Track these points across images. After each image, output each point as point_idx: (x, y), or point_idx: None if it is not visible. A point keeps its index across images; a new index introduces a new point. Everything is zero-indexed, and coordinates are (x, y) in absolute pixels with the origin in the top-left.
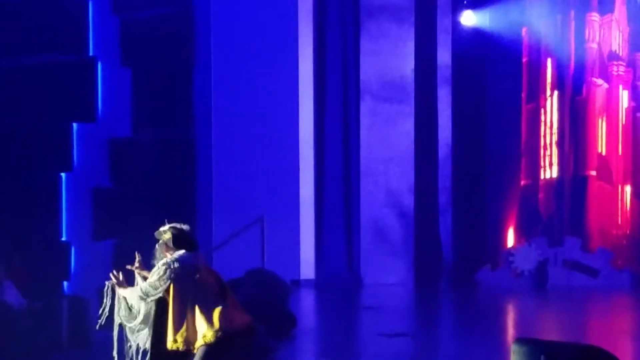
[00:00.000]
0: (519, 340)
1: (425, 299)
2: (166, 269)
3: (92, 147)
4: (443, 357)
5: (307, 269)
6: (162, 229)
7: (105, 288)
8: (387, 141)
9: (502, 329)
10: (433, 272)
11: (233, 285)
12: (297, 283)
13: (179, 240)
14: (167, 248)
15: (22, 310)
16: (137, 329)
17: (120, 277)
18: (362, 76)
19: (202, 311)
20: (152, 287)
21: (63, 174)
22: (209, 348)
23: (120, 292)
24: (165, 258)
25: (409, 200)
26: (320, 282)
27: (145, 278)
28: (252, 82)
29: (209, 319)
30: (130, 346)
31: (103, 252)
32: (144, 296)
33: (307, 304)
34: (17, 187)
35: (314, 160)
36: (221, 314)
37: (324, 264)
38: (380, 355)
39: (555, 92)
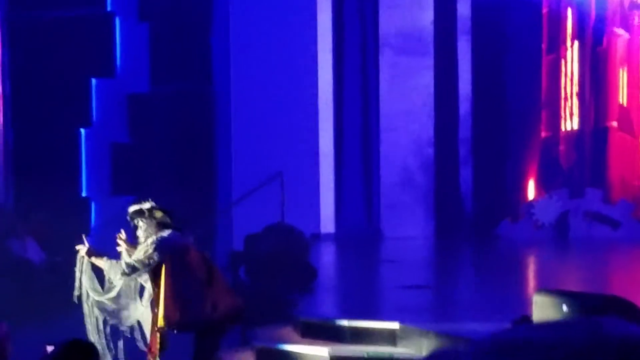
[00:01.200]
0: (541, 290)
1: (446, 251)
2: (156, 247)
3: (111, 102)
4: (463, 309)
5: (328, 222)
6: (144, 207)
7: (79, 256)
8: (406, 94)
9: (523, 281)
10: (454, 225)
11: (252, 240)
12: (317, 237)
13: (169, 219)
14: (157, 226)
15: (43, 265)
16: (116, 305)
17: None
18: (381, 29)
19: (182, 294)
20: (139, 263)
21: (82, 130)
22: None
23: (94, 261)
24: (154, 235)
25: (429, 153)
26: (341, 236)
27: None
28: (270, 37)
29: (184, 304)
30: (96, 320)
31: (123, 208)
32: (129, 271)
33: (327, 258)
34: (36, 143)
35: (333, 114)
36: (199, 300)
37: (344, 218)
38: (400, 307)
39: (576, 43)
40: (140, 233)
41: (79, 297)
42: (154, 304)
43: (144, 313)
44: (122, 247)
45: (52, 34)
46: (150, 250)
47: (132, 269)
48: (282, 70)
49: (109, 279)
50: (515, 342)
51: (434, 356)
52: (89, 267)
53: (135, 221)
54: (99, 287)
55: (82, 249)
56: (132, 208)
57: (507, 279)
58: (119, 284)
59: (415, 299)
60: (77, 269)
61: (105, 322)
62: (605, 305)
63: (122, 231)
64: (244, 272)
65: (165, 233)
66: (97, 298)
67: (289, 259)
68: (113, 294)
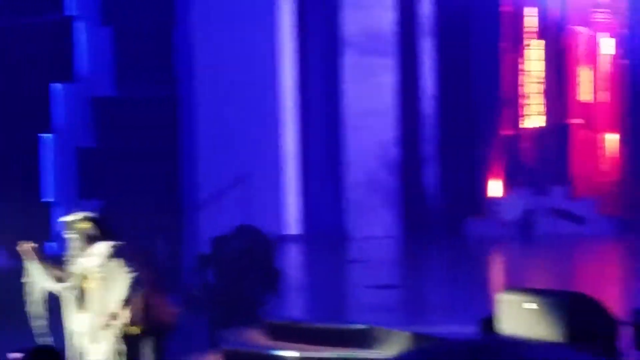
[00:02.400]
0: (507, 289)
1: (413, 250)
2: (114, 255)
3: (74, 107)
4: (431, 308)
5: (294, 224)
6: (74, 217)
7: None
8: (371, 94)
9: (490, 279)
10: (420, 224)
11: (219, 242)
12: (284, 238)
13: (106, 228)
14: (89, 239)
15: (11, 271)
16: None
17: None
18: (345, 29)
19: (126, 302)
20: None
21: (46, 135)
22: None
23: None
24: (105, 243)
25: (394, 153)
26: (308, 237)
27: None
28: (233, 39)
29: (129, 311)
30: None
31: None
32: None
33: (295, 259)
34: None
35: (297, 115)
36: (141, 307)
37: (311, 219)
38: (368, 307)
39: (537, 41)
40: (78, 244)
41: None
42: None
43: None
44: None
45: (12, 41)
46: (125, 266)
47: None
48: (245, 72)
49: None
50: None
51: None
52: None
53: (76, 231)
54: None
55: (28, 246)
56: (70, 218)
57: (474, 277)
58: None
59: (384, 299)
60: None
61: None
62: (570, 302)
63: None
64: (212, 274)
65: (112, 243)
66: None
67: (256, 260)
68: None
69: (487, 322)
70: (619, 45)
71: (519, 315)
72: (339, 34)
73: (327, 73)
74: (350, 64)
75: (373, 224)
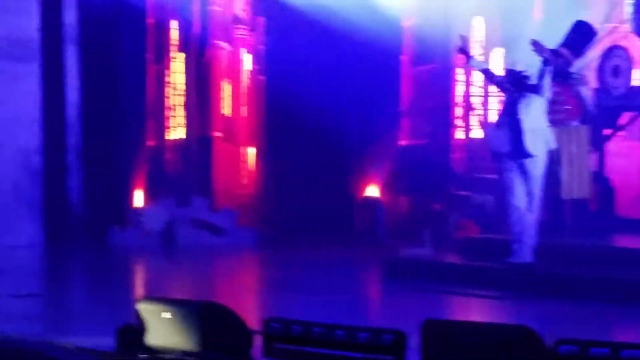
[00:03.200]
0: (144, 299)
1: (56, 259)
2: None
3: None
4: (73, 317)
5: None
6: None
7: None
8: (11, 101)
9: (131, 288)
10: (63, 233)
11: None
12: None
13: None
14: None
15: None
16: None
17: None
18: None
19: None
20: None
21: None
22: None
23: None
24: None
25: (36, 161)
26: None
27: None
28: None
29: None
30: None
31: None
32: None
33: None
34: None
35: None
36: None
37: None
38: (8, 316)
39: (181, 54)
40: None
41: None
42: None
43: None
44: None
45: None
46: None
47: None
48: None
49: None
50: None
51: None
52: None
53: None
54: None
55: None
56: None
57: (115, 287)
58: None
59: (25, 309)
60: None
61: None
62: (202, 311)
63: None
64: None
65: None
66: None
67: None
68: None
69: (125, 331)
70: (257, 61)
71: (156, 325)
72: None
73: None
74: None
75: (14, 233)
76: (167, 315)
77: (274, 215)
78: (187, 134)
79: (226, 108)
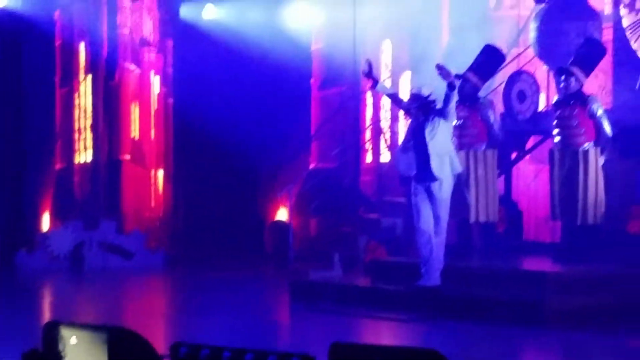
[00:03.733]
0: (51, 323)
1: None
2: None
3: None
4: None
5: None
6: None
7: None
8: None
9: (38, 312)
10: None
11: None
12: None
13: None
14: None
15: None
16: None
17: None
18: None
19: None
20: None
21: None
22: None
23: None
24: None
25: None
26: None
27: None
28: None
29: None
30: None
31: None
32: None
33: None
34: None
35: None
36: None
37: None
38: None
39: (89, 76)
40: None
41: None
42: None
43: None
44: None
45: None
46: None
47: None
48: None
49: None
50: None
51: None
52: None
53: None
54: None
55: None
56: None
57: (22, 311)
58: None
59: None
60: None
61: None
62: (108, 336)
63: None
64: None
65: None
66: None
67: None
68: None
69: (31, 356)
70: (165, 83)
71: (63, 350)
72: None
73: None
74: None
75: None
76: (75, 340)
77: (183, 237)
78: (96, 156)
79: (135, 131)
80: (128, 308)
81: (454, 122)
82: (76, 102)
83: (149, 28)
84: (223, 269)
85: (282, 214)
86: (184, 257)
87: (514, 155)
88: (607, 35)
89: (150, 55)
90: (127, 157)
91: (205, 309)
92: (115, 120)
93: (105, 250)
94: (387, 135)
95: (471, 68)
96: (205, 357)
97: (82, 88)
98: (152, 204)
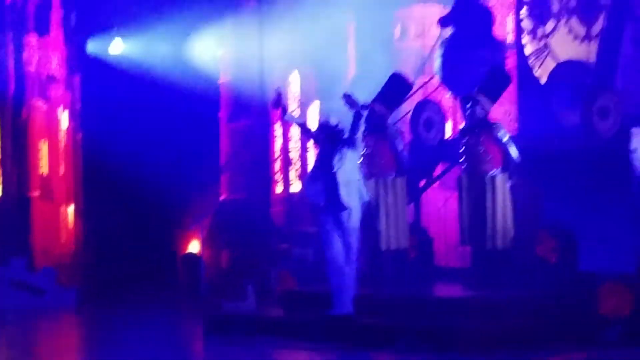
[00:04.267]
0: None
1: None
2: None
3: None
4: None
5: None
6: None
7: None
8: None
9: None
10: None
11: None
12: None
13: None
14: None
15: None
16: None
17: None
18: None
19: None
20: None
21: None
22: None
23: None
24: None
25: None
26: None
27: None
28: None
29: None
30: None
31: None
32: None
33: None
34: None
35: None
36: None
37: None
38: None
39: None
40: None
41: None
42: None
43: None
44: None
45: None
46: None
47: None
48: None
49: None
50: None
51: None
52: None
53: None
54: None
55: None
56: None
57: None
58: None
59: None
60: None
61: None
62: None
63: None
64: None
65: None
66: None
67: None
68: None
69: None
70: (74, 118)
71: None
72: None
73: None
74: None
75: None
76: None
77: (95, 273)
78: (4, 193)
79: (44, 167)
80: (39, 347)
81: (363, 151)
82: None
83: (56, 64)
84: (137, 303)
85: (194, 246)
86: (97, 293)
87: (422, 183)
88: (511, 63)
89: (57, 91)
90: (37, 193)
91: (120, 345)
92: (24, 156)
93: (16, 287)
94: (297, 165)
95: (378, 97)
96: None
97: None
98: (63, 239)
